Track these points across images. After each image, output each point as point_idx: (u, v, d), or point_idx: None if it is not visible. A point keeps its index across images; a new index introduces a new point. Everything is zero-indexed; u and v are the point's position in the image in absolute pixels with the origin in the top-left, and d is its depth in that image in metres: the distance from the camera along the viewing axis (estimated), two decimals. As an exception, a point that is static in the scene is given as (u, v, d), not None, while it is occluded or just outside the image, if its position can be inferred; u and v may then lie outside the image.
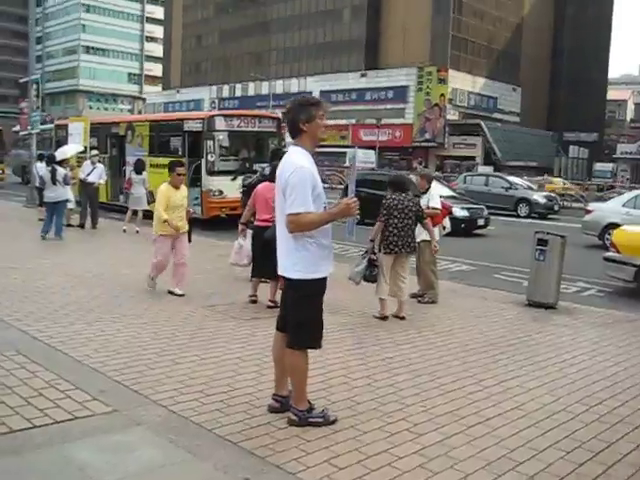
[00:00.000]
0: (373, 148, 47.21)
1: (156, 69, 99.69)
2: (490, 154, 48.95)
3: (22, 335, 6.13)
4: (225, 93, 72.03)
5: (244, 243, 8.27)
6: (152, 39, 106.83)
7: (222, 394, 4.81)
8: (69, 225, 15.47)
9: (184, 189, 8.48)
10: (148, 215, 15.94)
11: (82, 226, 15.37)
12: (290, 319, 4.30)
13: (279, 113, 19.54)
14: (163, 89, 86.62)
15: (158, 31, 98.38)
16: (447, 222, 9.04)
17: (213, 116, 17.37)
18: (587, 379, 5.65)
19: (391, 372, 5.56)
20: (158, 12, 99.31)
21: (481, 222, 18.21)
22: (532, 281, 9.05)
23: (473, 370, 5.74)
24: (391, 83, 53.79)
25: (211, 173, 16.53)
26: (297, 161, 4.18)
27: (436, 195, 8.81)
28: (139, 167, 15.57)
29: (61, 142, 19.50)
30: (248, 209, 8.12)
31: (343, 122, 56.52)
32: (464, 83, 53.58)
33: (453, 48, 53.31)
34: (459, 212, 17.63)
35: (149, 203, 15.93)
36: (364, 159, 45.82)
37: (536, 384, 5.42)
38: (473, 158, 48.79)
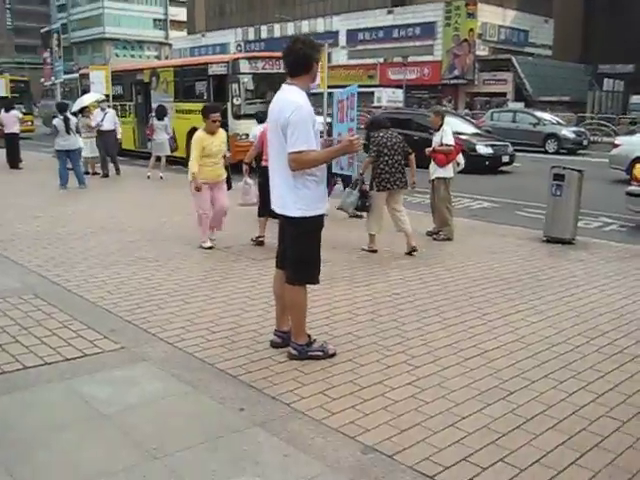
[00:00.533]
0: (402, 87, 46.39)
1: (181, 14, 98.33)
2: (521, 90, 47.60)
3: (41, 280, 6.34)
4: (250, 36, 70.90)
5: (251, 182, 8.29)
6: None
7: (228, 331, 4.96)
8: (94, 173, 15.71)
9: (222, 134, 7.95)
10: (172, 160, 16.14)
11: (106, 176, 15.54)
12: (290, 256, 4.38)
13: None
14: (188, 34, 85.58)
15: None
16: (461, 159, 8.96)
17: (237, 59, 17.21)
18: (593, 312, 5.67)
19: (396, 307, 5.65)
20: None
21: (506, 159, 17.95)
22: (549, 217, 8.97)
23: (478, 305, 5.80)
24: (418, 19, 52.21)
25: (237, 117, 16.42)
26: (296, 100, 4.19)
27: (449, 131, 8.75)
28: (161, 113, 15.59)
29: (87, 91, 19.53)
30: (254, 149, 8.13)
31: (371, 61, 55.42)
32: (494, 17, 51.71)
33: (482, -20, 51.44)
34: (483, 149, 17.44)
35: (172, 149, 16.05)
36: (392, 98, 45.17)
37: (540, 318, 5.47)
38: (504, 94, 47.53)
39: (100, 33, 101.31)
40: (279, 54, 12.67)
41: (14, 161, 17.45)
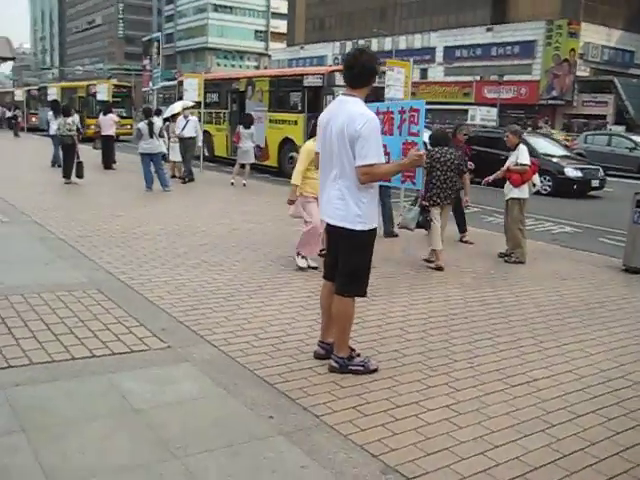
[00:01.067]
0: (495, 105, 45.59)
1: (282, 26, 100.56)
2: (622, 113, 45.81)
3: (108, 276, 6.59)
4: (348, 49, 71.44)
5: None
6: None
7: (274, 339, 4.98)
8: (180, 177, 16.19)
9: None
10: (260, 169, 16.43)
11: (183, 180, 15.92)
12: (343, 268, 4.35)
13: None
14: (287, 46, 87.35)
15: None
16: (537, 179, 8.67)
17: (333, 71, 17.22)
18: (661, 348, 5.34)
19: (449, 328, 5.52)
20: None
21: (595, 183, 17.27)
22: (630, 245, 8.58)
23: (538, 332, 5.59)
24: (518, 38, 51.22)
25: None
26: (366, 112, 4.18)
27: (525, 151, 8.48)
28: (247, 121, 15.95)
29: (182, 98, 20.26)
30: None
31: (467, 79, 54.80)
32: (597, 36, 50.08)
33: (587, -2, 49.91)
34: (571, 172, 16.87)
35: (257, 157, 16.37)
36: (486, 117, 44.41)
37: (600, 350, 5.20)
38: (603, 117, 45.88)
39: (203, 43, 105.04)
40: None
41: (108, 162, 18.28)
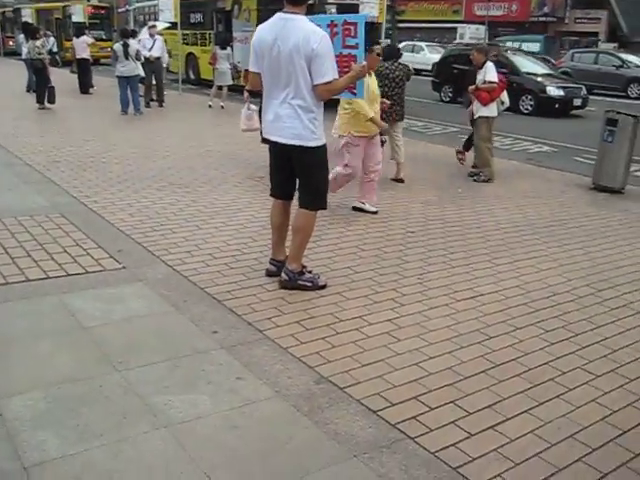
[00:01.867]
0: (487, 23, 44.41)
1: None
2: (615, 30, 44.79)
3: (72, 200, 6.60)
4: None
5: (254, 108, 7.78)
6: None
7: (229, 257, 5.07)
8: (152, 100, 15.78)
9: (373, 75, 6.63)
10: (233, 89, 16.13)
11: (148, 104, 15.24)
12: (307, 185, 4.43)
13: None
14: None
15: None
16: (505, 97, 8.59)
17: None
18: (612, 264, 5.45)
19: (405, 246, 5.60)
20: None
21: (578, 102, 17.11)
22: (598, 164, 8.61)
23: (493, 249, 5.68)
24: (510, -50, 49.59)
25: None
26: (317, 29, 4.14)
27: (492, 68, 8.38)
28: (224, 41, 15.56)
29: (159, 18, 19.61)
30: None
31: (457, -5, 53.20)
32: (592, -53, 48.47)
33: None
34: (553, 91, 16.70)
35: (234, 78, 16.06)
36: (475, 35, 43.41)
37: (551, 266, 5.31)
38: (596, 34, 44.90)
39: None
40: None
41: (85, 86, 17.90)
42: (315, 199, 4.46)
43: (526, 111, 16.96)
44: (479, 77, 8.39)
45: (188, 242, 5.39)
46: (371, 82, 6.35)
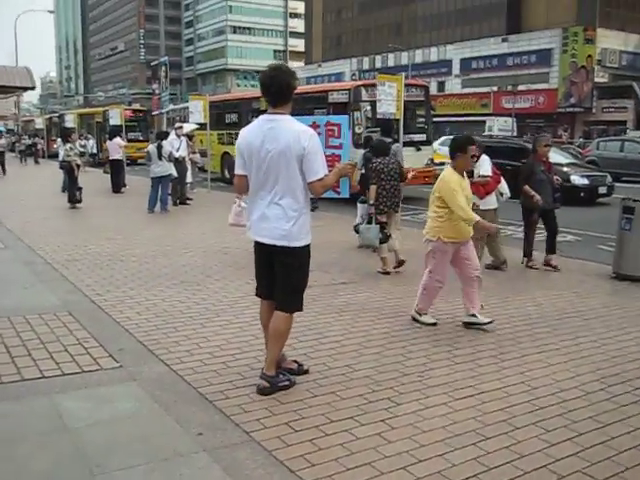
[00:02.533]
0: (516, 115, 45.33)
1: (300, 45, 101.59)
2: (643, 118, 45.31)
3: (82, 298, 6.69)
4: (365, 65, 72.04)
5: (244, 205, 8.01)
6: (295, 15, 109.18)
7: (228, 356, 5.01)
8: (188, 199, 16.04)
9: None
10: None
11: (176, 202, 15.39)
12: (287, 285, 4.32)
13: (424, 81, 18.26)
14: (305, 64, 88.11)
15: (301, 7, 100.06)
16: (504, 188, 8.78)
17: (359, 86, 16.62)
18: (626, 357, 5.24)
19: (409, 342, 5.49)
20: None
21: (603, 190, 17.04)
22: (618, 252, 8.48)
23: (501, 342, 5.53)
24: (534, 47, 51.07)
25: (358, 146, 14.77)
26: (306, 128, 4.25)
27: (485, 162, 8.52)
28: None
29: (190, 120, 20.36)
30: None
31: (484, 90, 54.66)
32: (615, 41, 49.64)
33: (602, 4, 49.44)
34: (577, 180, 16.69)
35: None
36: (504, 127, 44.15)
37: (561, 360, 5.13)
38: (624, 123, 45.35)
39: (223, 64, 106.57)
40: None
41: (117, 186, 18.55)
42: (293, 299, 4.35)
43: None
44: (475, 171, 8.46)
45: (190, 340, 5.37)
46: (465, 185, 6.03)
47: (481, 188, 8.36)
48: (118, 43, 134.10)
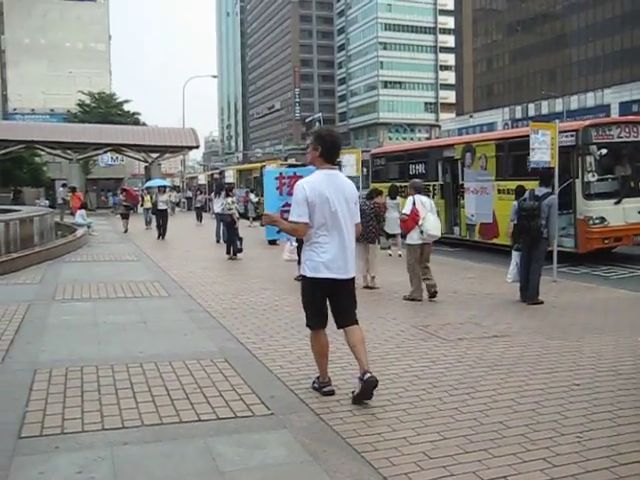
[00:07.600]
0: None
1: (450, 96, 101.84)
2: None
3: (238, 346, 6.95)
4: (518, 114, 70.68)
5: (295, 244, 9.59)
6: (446, 67, 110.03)
7: (377, 407, 4.97)
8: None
9: None
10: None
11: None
12: (353, 307, 5.42)
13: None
14: (457, 115, 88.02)
15: (451, 59, 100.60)
16: (427, 227, 9.52)
17: (589, 126, 14.55)
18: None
19: (546, 397, 5.16)
20: (450, 41, 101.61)
21: None
22: None
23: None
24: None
25: (589, 196, 14.14)
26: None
27: (408, 202, 9.78)
28: (393, 192, 16.39)
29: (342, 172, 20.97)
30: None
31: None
32: None
33: None
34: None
35: (482, 233, 16.96)
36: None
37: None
38: None
39: (375, 118, 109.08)
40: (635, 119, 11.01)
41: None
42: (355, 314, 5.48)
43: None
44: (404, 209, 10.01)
45: (340, 391, 5.39)
46: None
47: (403, 224, 9.99)
48: (275, 102, 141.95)
